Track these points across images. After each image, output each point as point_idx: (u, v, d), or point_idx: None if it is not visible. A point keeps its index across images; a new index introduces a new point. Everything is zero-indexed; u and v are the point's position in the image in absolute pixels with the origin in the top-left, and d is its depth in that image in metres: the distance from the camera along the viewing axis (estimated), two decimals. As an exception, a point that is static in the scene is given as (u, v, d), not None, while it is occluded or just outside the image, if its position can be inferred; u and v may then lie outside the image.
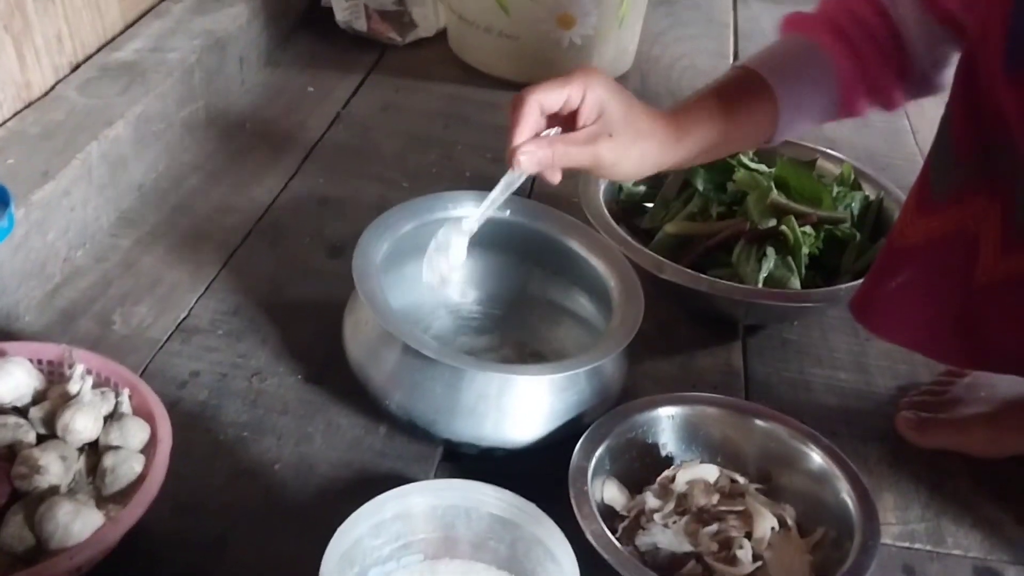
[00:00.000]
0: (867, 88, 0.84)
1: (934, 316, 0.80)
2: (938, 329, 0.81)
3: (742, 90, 0.82)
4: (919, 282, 0.79)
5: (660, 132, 0.77)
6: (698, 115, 0.80)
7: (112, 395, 0.71)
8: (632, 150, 0.75)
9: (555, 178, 0.74)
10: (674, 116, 0.79)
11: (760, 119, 0.83)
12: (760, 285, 0.93)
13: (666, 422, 0.79)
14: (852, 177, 1.07)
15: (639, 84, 1.45)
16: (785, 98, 0.82)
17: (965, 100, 0.72)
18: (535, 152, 0.71)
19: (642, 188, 1.10)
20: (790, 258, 0.95)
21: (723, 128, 0.81)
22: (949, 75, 0.79)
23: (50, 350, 0.75)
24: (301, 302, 0.96)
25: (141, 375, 0.86)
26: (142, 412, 0.72)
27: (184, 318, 0.93)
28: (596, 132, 0.73)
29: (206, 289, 0.96)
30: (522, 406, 0.77)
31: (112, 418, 0.70)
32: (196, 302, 0.95)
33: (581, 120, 0.72)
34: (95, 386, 0.73)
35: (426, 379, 0.76)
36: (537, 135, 0.72)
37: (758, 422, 0.79)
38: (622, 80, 1.45)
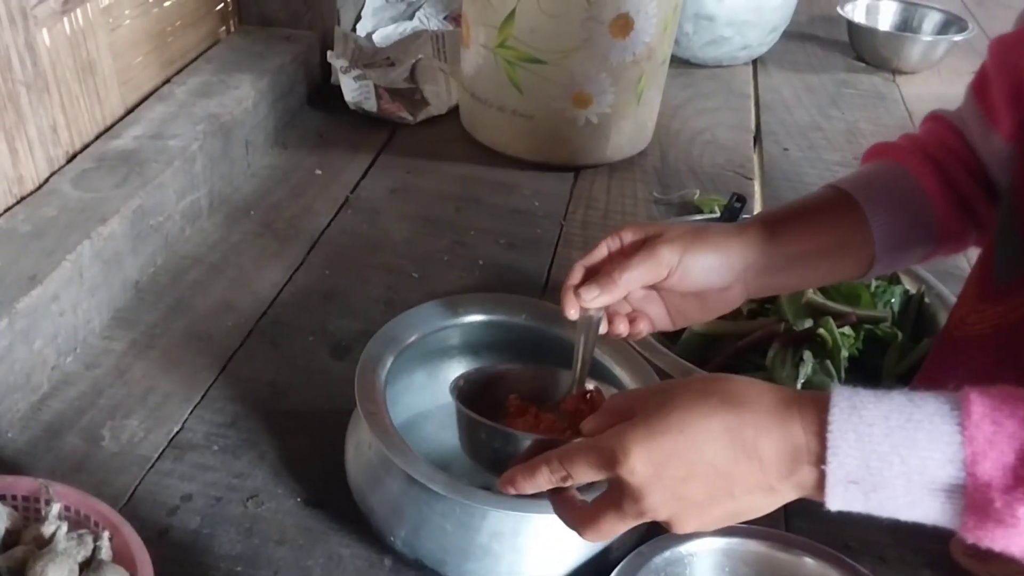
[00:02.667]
0: (960, 206, 0.76)
1: None
2: None
3: (828, 201, 0.75)
4: (984, 374, 0.72)
5: (731, 229, 0.71)
6: (778, 215, 0.74)
7: (90, 539, 0.65)
8: (699, 246, 0.69)
9: (622, 327, 0.70)
10: (748, 222, 0.73)
11: (852, 230, 0.74)
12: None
13: (703, 559, 0.72)
14: (890, 269, 1.01)
15: (658, 161, 1.40)
16: (875, 212, 0.73)
17: None
18: (592, 285, 0.67)
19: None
20: (829, 362, 0.88)
21: (813, 234, 0.73)
22: None
23: (25, 484, 0.69)
24: (302, 410, 0.90)
25: (129, 499, 0.79)
26: (123, 557, 0.65)
27: (177, 432, 0.86)
28: (645, 237, 0.70)
29: (202, 398, 0.90)
30: (541, 545, 0.70)
31: (89, 567, 0.64)
32: (191, 413, 0.88)
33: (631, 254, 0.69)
34: (74, 525, 0.66)
35: (434, 514, 0.69)
36: None
37: (808, 560, 0.71)
38: (641, 156, 1.40)
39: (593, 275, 0.70)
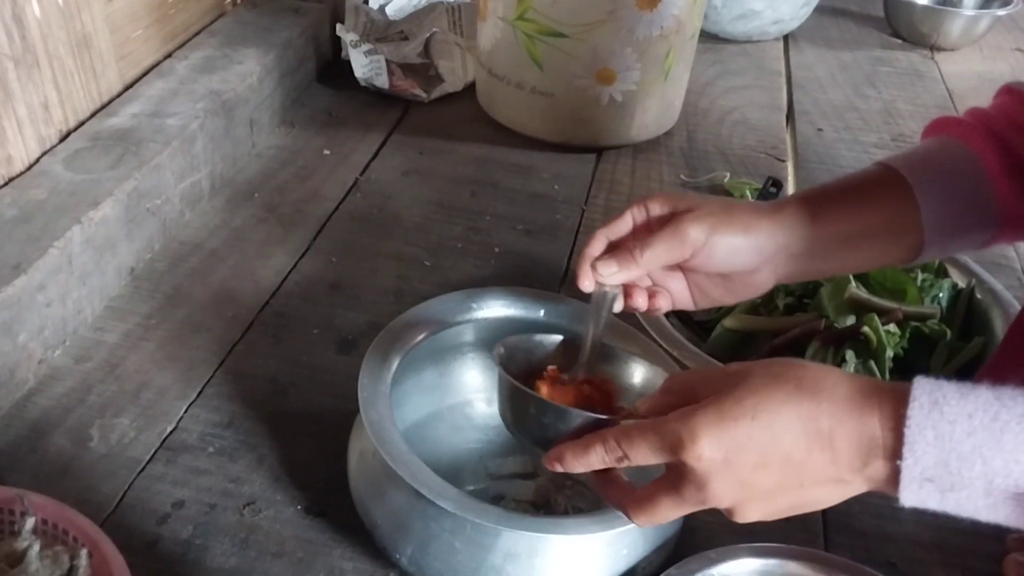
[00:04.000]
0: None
1: None
2: None
3: (874, 179, 0.69)
4: None
5: (764, 209, 0.66)
6: (818, 193, 0.68)
7: (66, 557, 0.59)
8: (727, 226, 0.64)
9: (640, 301, 0.65)
10: (785, 200, 0.67)
11: (900, 212, 0.67)
12: (838, 396, 0.80)
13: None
14: (937, 261, 0.93)
15: (685, 142, 1.32)
16: (927, 193, 0.67)
17: None
18: (610, 260, 0.63)
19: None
20: (872, 363, 0.81)
21: (856, 214, 0.67)
22: None
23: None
24: (305, 410, 0.84)
25: (116, 507, 0.74)
26: (102, 577, 0.59)
27: (171, 432, 0.81)
28: (672, 211, 0.65)
29: (198, 395, 0.84)
30: (559, 568, 0.63)
31: (64, 588, 0.58)
32: (185, 411, 0.83)
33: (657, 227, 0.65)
34: (50, 540, 0.61)
35: (443, 532, 0.63)
36: None
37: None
38: (667, 137, 1.32)
39: (614, 247, 0.65)
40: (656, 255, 0.63)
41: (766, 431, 0.47)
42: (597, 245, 0.65)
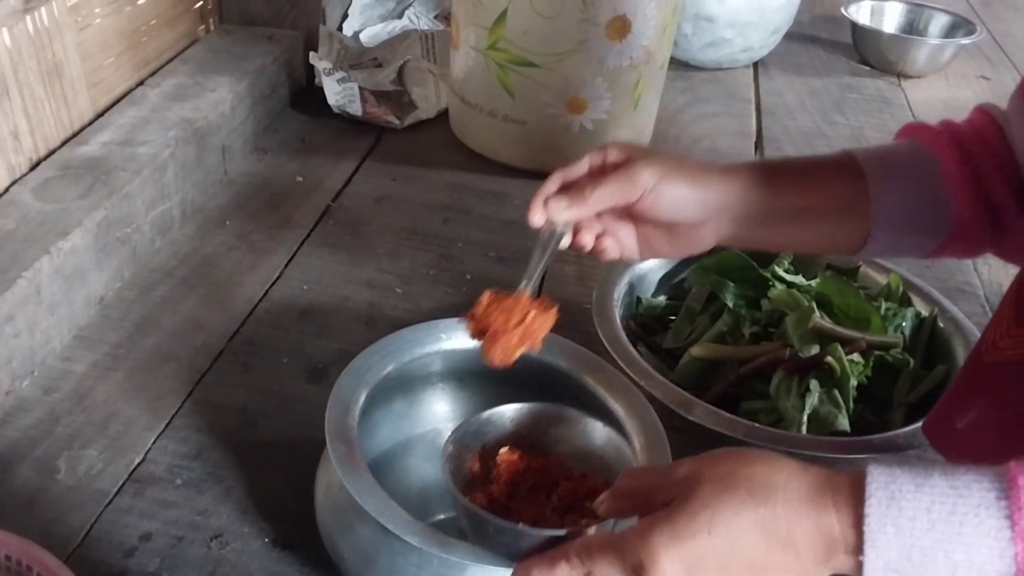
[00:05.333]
0: (983, 202, 0.69)
1: None
2: None
3: (832, 163, 0.70)
4: (1013, 403, 0.66)
5: (717, 167, 0.68)
6: (774, 164, 0.70)
7: (29, 595, 0.59)
8: (677, 174, 0.66)
9: (588, 239, 0.68)
10: (740, 164, 0.69)
11: (851, 198, 0.69)
12: (804, 424, 0.81)
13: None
14: (901, 290, 0.95)
15: (656, 169, 1.34)
16: (879, 185, 0.68)
17: None
18: (561, 196, 0.65)
19: (663, 300, 0.98)
20: (836, 392, 0.83)
21: (807, 191, 0.69)
22: None
23: (-39, 531, 0.63)
24: (274, 441, 0.84)
25: (83, 540, 0.73)
26: (66, 614, 0.59)
27: (139, 464, 0.80)
28: (628, 158, 0.66)
29: (166, 426, 0.84)
30: (526, 599, 0.64)
31: (26, 627, 0.58)
32: (153, 443, 0.82)
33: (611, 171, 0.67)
34: (13, 577, 0.60)
35: (409, 566, 0.63)
36: None
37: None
38: (638, 164, 1.34)
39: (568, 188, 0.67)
40: (606, 193, 0.65)
41: (724, 544, 0.47)
42: (551, 185, 0.67)
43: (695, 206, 0.67)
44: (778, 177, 0.69)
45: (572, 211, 0.66)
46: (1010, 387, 0.66)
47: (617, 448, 0.64)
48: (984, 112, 0.71)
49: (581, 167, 0.68)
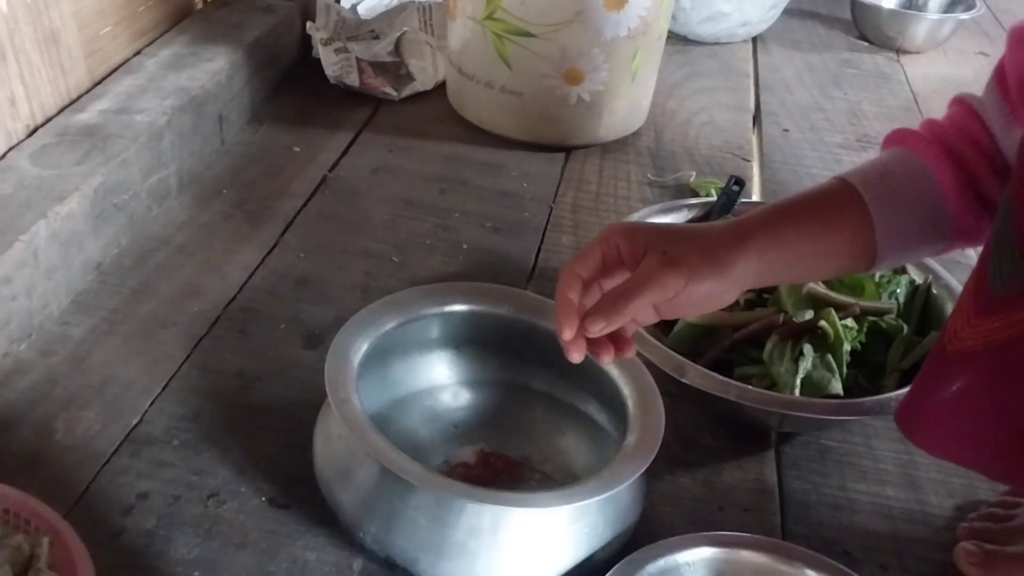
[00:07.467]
0: (978, 202, 0.71)
1: (996, 432, 0.68)
2: (1002, 446, 0.68)
3: (832, 200, 0.71)
4: (977, 392, 0.67)
5: (732, 243, 0.67)
6: (781, 216, 0.70)
7: (27, 546, 0.60)
8: (704, 272, 0.65)
9: (606, 359, 0.66)
10: (749, 227, 0.69)
11: (857, 230, 0.70)
12: (797, 388, 0.81)
13: (699, 568, 0.67)
14: (895, 258, 0.95)
15: (652, 142, 1.34)
16: (883, 211, 0.69)
17: None
18: (598, 319, 0.63)
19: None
20: (830, 356, 0.83)
21: (818, 235, 0.69)
22: None
23: (-40, 485, 0.64)
24: (271, 403, 0.84)
25: (81, 498, 0.74)
26: (64, 566, 0.60)
27: (136, 425, 0.81)
28: (644, 249, 0.65)
29: (163, 389, 0.85)
30: (521, 543, 0.65)
31: (25, 577, 0.58)
32: (151, 405, 0.83)
33: (630, 266, 0.66)
34: (12, 530, 0.61)
35: (407, 508, 0.64)
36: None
37: (808, 572, 0.67)
38: (635, 137, 1.34)
39: (586, 286, 0.66)
40: (641, 305, 0.64)
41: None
42: (571, 291, 0.65)
43: (724, 293, 0.67)
44: (788, 228, 0.69)
45: (609, 328, 0.64)
46: (974, 375, 0.66)
47: None
48: (963, 103, 0.73)
49: (594, 259, 0.67)
